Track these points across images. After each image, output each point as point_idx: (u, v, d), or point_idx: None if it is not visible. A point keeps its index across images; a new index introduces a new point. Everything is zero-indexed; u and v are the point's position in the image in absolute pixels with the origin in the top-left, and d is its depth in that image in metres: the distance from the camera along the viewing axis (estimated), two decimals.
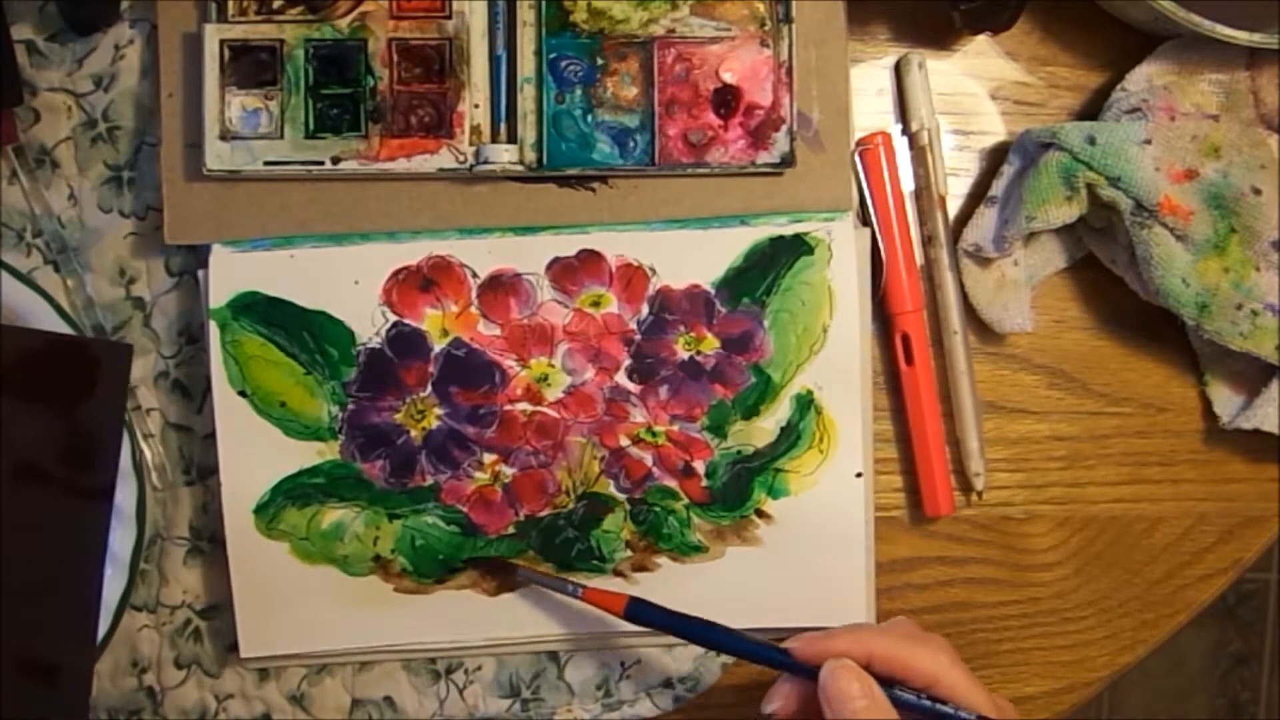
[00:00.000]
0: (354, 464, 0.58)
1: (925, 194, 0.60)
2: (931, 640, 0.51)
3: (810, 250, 0.58)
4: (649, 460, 0.59)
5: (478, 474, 0.58)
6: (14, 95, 0.58)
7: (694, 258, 0.58)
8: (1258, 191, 0.57)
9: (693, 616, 0.54)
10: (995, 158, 0.61)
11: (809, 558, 0.58)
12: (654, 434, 0.58)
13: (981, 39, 0.61)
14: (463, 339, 0.58)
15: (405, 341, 0.58)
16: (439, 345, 0.58)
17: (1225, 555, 0.62)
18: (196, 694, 0.60)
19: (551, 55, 0.57)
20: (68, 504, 0.56)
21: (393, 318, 0.58)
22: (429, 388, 0.58)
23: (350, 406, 0.58)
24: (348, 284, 0.57)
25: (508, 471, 0.58)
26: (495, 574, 0.59)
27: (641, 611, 0.55)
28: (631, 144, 0.57)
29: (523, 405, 0.58)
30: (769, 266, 0.58)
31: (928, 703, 0.50)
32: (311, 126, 0.57)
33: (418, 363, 0.58)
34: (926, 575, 0.62)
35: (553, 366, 0.58)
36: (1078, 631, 0.62)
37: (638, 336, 0.58)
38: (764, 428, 0.58)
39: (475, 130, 0.57)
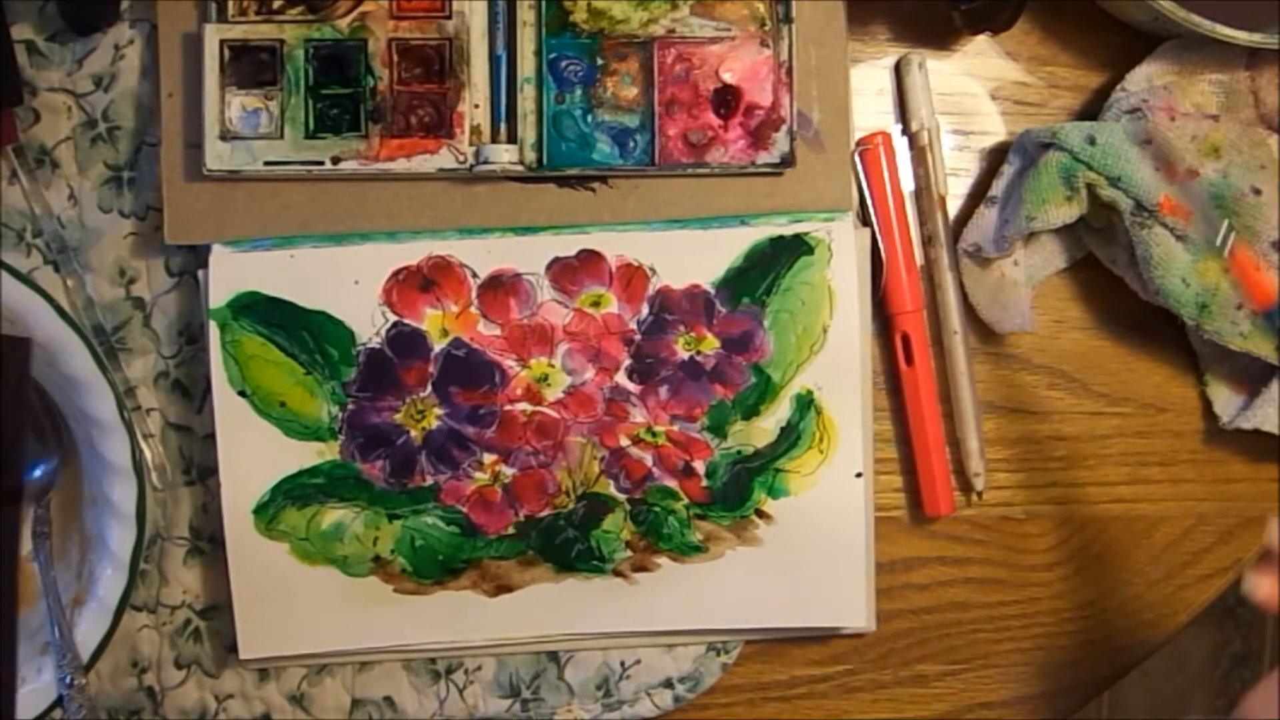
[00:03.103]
0: (354, 464, 0.58)
1: (925, 194, 0.60)
2: None
3: (810, 250, 0.58)
4: (649, 460, 0.59)
5: (477, 474, 0.58)
6: (14, 95, 0.58)
7: (694, 258, 0.58)
8: (1258, 191, 0.57)
9: None
10: (995, 158, 0.61)
11: (809, 558, 0.58)
12: (654, 434, 0.58)
13: (981, 39, 0.61)
14: (463, 339, 0.58)
15: (405, 341, 0.58)
16: (439, 345, 0.58)
17: (1225, 555, 0.62)
18: (196, 694, 0.60)
19: (551, 55, 0.57)
20: None
21: (393, 318, 0.58)
22: (429, 388, 0.58)
23: (350, 406, 0.58)
24: (348, 284, 0.57)
25: (508, 472, 0.58)
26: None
27: None
28: (631, 144, 0.57)
29: (523, 405, 0.58)
30: (769, 267, 0.58)
31: None
32: (311, 126, 0.57)
33: (418, 363, 0.58)
34: (926, 575, 0.62)
35: (553, 366, 0.58)
36: (1078, 631, 0.62)
37: (638, 336, 0.58)
38: (764, 428, 0.58)
39: (475, 130, 0.57)
